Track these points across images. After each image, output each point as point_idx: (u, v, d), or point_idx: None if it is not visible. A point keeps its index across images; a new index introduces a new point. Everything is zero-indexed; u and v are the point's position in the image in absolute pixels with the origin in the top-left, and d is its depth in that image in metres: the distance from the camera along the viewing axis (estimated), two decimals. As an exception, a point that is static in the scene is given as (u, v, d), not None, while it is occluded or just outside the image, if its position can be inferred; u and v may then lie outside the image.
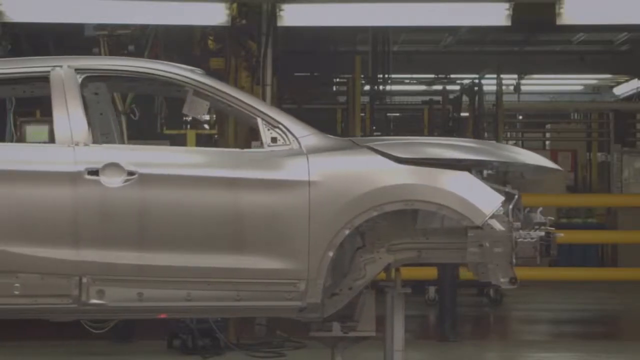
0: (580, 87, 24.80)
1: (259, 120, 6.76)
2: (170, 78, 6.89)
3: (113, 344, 10.16)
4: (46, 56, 7.23)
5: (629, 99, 22.55)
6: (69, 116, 6.68)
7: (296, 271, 6.56)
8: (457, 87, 19.94)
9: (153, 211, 6.55)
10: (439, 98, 19.55)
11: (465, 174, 6.63)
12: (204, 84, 6.84)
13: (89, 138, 6.70)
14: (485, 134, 18.00)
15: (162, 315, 6.97)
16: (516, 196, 6.67)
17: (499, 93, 18.15)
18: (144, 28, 11.25)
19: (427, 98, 20.45)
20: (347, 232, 6.56)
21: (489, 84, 19.01)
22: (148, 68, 6.97)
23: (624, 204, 16.51)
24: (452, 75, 20.49)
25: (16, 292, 6.51)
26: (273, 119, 6.76)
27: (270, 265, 6.57)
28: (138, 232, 6.55)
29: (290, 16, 10.47)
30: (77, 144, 6.63)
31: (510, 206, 6.60)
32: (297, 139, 6.71)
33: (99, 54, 10.92)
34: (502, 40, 19.05)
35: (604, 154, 20.70)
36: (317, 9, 10.54)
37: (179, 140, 11.49)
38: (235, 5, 10.55)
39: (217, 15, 10.40)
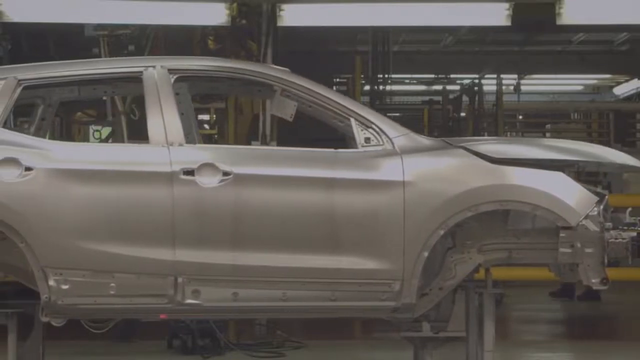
0: (580, 87, 24.79)
1: (352, 121, 6.76)
2: (262, 78, 6.90)
3: (113, 344, 10.16)
4: (138, 57, 7.23)
5: (629, 99, 22.55)
6: (163, 117, 6.71)
7: (391, 271, 6.57)
8: (457, 87, 19.94)
9: (248, 211, 6.55)
10: (439, 98, 19.56)
11: (560, 174, 6.66)
12: (295, 83, 6.84)
13: (183, 138, 6.69)
14: (485, 134, 18.00)
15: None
16: (606, 196, 6.71)
17: (499, 93, 18.15)
18: (144, 28, 11.25)
19: (427, 98, 20.46)
20: (441, 232, 6.58)
21: (489, 84, 19.01)
22: (240, 69, 6.98)
23: (624, 204, 16.48)
24: (452, 75, 20.49)
25: (112, 292, 6.55)
26: (366, 119, 6.76)
27: (365, 266, 6.56)
28: (233, 232, 6.55)
29: (290, 16, 10.48)
30: (171, 144, 6.65)
31: (602, 206, 6.63)
32: (390, 139, 6.70)
33: (99, 54, 10.92)
34: (502, 40, 19.03)
35: (604, 154, 20.66)
36: (317, 9, 10.54)
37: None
38: (235, 5, 10.54)
39: (217, 15, 10.40)
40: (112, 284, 6.55)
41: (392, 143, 6.69)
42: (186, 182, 6.56)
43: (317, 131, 8.22)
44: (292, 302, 6.60)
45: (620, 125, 20.69)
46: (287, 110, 6.81)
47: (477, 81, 19.26)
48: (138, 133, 10.99)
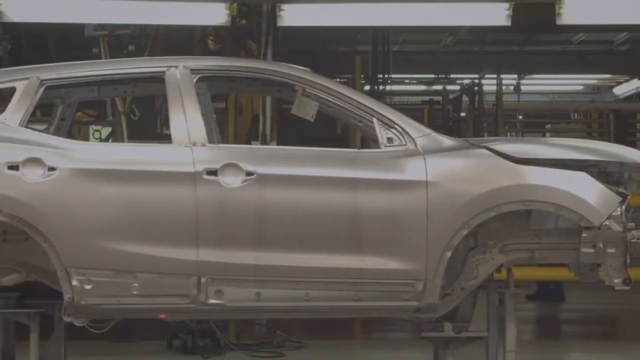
0: (580, 87, 24.78)
1: (375, 121, 6.77)
2: (284, 78, 6.92)
3: (113, 344, 10.16)
4: (160, 57, 7.21)
5: (629, 99, 22.54)
6: (186, 117, 6.70)
7: (414, 271, 6.58)
8: (457, 87, 19.94)
9: (271, 211, 6.56)
10: (439, 98, 19.57)
11: (583, 174, 6.67)
12: (317, 83, 6.86)
13: (205, 138, 6.69)
14: (485, 134, 18.00)
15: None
16: (628, 197, 6.71)
17: (499, 93, 18.15)
18: (144, 28, 11.25)
19: (427, 98, 20.46)
20: (464, 232, 6.59)
21: (489, 84, 19.01)
22: (262, 68, 7.02)
23: None
24: (452, 75, 20.49)
25: (135, 292, 6.56)
26: (389, 119, 6.78)
27: (388, 266, 6.58)
28: (256, 232, 6.57)
29: (290, 16, 10.48)
30: (194, 144, 6.65)
31: (624, 207, 6.64)
32: (413, 139, 6.72)
33: (99, 54, 10.92)
34: (502, 40, 19.03)
35: (604, 154, 20.61)
36: (317, 9, 10.54)
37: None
38: (235, 5, 10.55)
39: (217, 15, 10.41)
40: (135, 284, 6.55)
41: (415, 143, 6.70)
42: (209, 182, 6.57)
43: (317, 131, 8.22)
44: (314, 302, 6.61)
45: (620, 125, 20.68)
46: (309, 111, 6.85)
47: (477, 81, 19.26)
48: (138, 133, 11.02)
